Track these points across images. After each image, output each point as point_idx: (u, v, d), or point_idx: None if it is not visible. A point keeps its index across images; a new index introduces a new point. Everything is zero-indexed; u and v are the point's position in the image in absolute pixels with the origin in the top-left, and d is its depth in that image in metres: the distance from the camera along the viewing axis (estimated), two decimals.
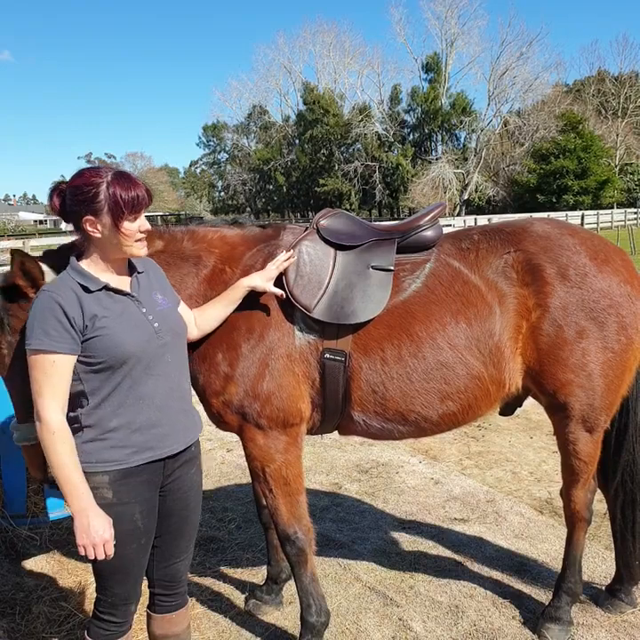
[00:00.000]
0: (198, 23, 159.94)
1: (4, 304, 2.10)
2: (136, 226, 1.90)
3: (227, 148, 65.76)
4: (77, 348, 1.84)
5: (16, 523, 3.56)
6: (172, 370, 2.02)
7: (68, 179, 1.94)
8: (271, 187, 59.91)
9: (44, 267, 2.10)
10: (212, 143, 66.87)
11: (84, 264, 1.94)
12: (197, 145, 76.97)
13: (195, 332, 2.29)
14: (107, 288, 1.92)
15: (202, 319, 2.29)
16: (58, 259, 2.11)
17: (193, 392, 2.25)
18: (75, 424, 1.90)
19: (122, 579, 2.00)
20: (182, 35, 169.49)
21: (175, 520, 2.11)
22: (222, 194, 67.04)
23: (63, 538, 3.64)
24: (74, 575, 3.28)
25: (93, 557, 1.82)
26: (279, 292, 2.35)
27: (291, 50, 58.40)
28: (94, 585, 3.11)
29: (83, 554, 1.82)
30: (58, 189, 1.92)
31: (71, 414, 1.90)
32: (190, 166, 75.94)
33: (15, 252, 2.03)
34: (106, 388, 1.88)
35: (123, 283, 1.99)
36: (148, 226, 1.94)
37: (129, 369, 1.89)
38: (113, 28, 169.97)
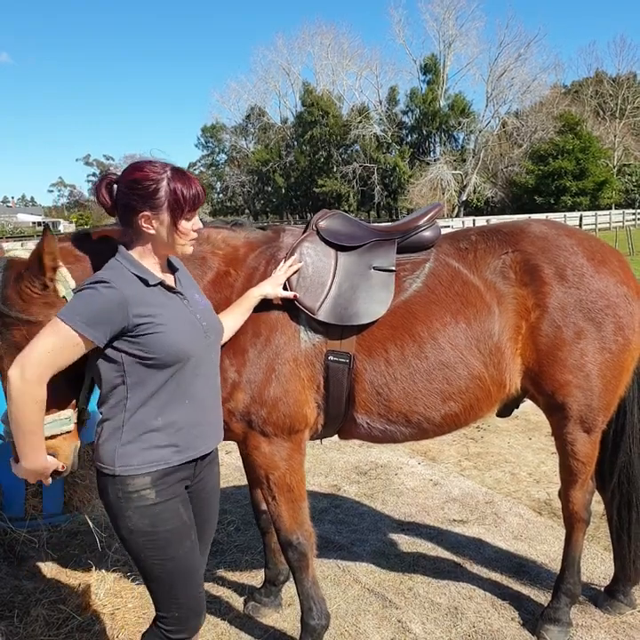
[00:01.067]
0: (197, 24, 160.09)
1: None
2: (191, 224, 1.84)
3: (225, 150, 65.78)
4: (104, 343, 1.75)
5: (14, 525, 3.55)
6: (212, 368, 1.99)
7: (121, 172, 1.83)
8: (270, 188, 59.94)
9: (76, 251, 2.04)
10: (210, 144, 66.85)
11: (135, 255, 1.84)
12: (196, 146, 76.87)
13: None
14: (162, 284, 1.85)
15: None
16: (94, 245, 1.95)
17: None
18: (112, 422, 1.82)
19: (185, 583, 1.89)
20: (181, 35, 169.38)
21: (198, 521, 2.05)
22: (221, 195, 66.99)
23: (62, 540, 3.63)
24: (72, 578, 3.28)
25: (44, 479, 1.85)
26: (291, 294, 2.32)
27: (289, 51, 58.61)
28: (93, 586, 3.15)
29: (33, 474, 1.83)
30: (107, 181, 1.82)
31: (111, 413, 1.82)
32: (189, 167, 75.60)
33: (48, 229, 1.88)
34: (150, 384, 1.79)
35: (168, 280, 1.92)
36: (200, 224, 1.90)
37: (179, 368, 1.82)
38: (112, 28, 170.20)
